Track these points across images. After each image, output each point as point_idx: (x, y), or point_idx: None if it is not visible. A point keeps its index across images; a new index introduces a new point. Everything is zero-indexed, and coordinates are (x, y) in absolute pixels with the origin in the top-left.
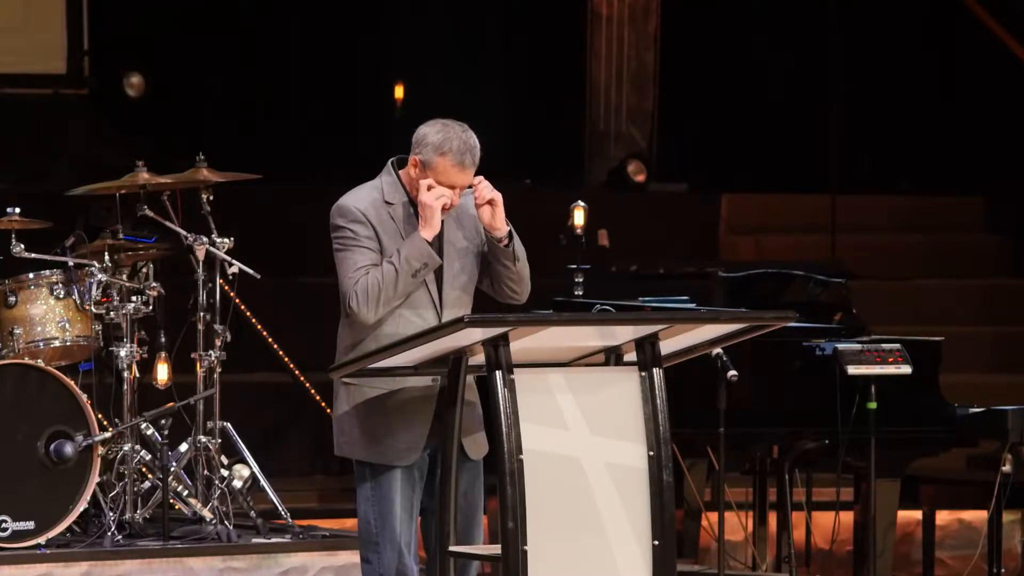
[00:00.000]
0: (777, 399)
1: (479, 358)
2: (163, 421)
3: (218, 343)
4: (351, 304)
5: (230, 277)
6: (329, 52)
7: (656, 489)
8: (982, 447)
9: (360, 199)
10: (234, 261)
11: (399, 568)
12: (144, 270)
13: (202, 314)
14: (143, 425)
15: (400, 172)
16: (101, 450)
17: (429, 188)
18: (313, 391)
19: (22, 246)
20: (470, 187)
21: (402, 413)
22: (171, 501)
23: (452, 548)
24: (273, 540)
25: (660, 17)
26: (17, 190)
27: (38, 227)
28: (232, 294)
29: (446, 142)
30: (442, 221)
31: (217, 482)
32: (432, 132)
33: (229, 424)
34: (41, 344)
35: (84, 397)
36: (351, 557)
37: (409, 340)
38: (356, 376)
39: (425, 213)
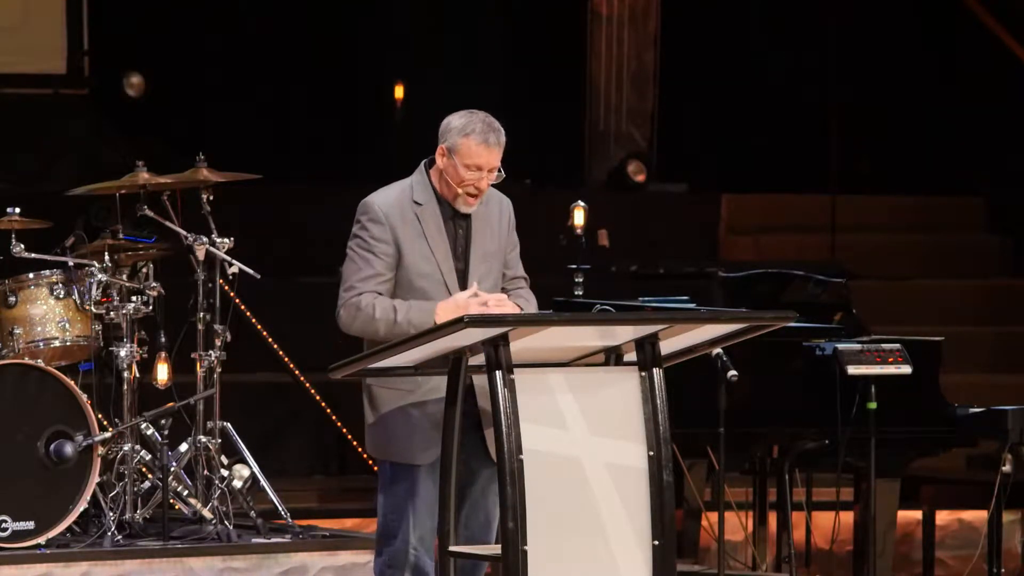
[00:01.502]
0: (777, 399)
1: (479, 358)
2: (163, 421)
3: (218, 343)
4: (339, 313)
5: (230, 277)
6: (329, 52)
7: (656, 489)
8: (982, 447)
9: (387, 198)
10: (234, 261)
11: (414, 562)
12: (144, 270)
13: (202, 314)
14: (143, 425)
15: (431, 172)
16: (101, 450)
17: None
18: (313, 391)
19: (22, 246)
20: (498, 171)
21: (420, 413)
22: (171, 501)
23: (452, 548)
24: (273, 540)
25: (660, 17)
26: (17, 190)
27: (38, 227)
28: (232, 294)
29: (469, 124)
30: (469, 224)
31: (217, 482)
32: (456, 118)
33: (229, 424)
34: (41, 344)
35: (84, 397)
36: (351, 557)
37: (409, 340)
38: (359, 376)
39: (451, 307)
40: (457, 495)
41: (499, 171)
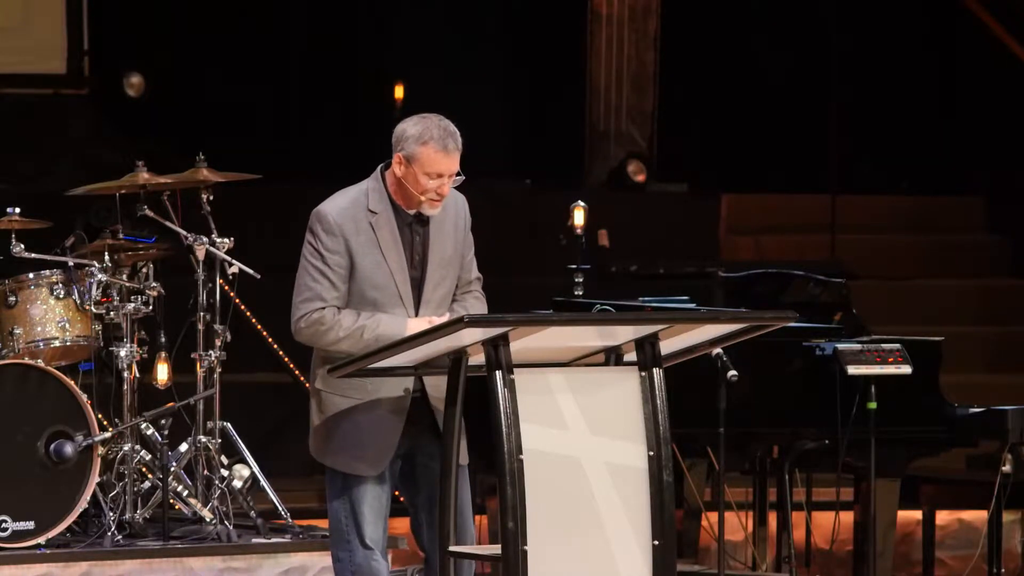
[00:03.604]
0: (777, 399)
1: (479, 358)
2: (163, 421)
3: (218, 343)
4: (298, 325)
5: (230, 277)
6: (329, 52)
7: (656, 489)
8: (982, 447)
9: (341, 208)
10: (234, 261)
11: (371, 566)
12: (144, 270)
13: (202, 314)
14: (143, 425)
15: (387, 177)
16: (101, 450)
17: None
18: None
19: (22, 246)
20: (459, 174)
21: (371, 424)
22: (171, 501)
23: (452, 548)
24: (273, 540)
25: (660, 17)
26: (17, 190)
27: (38, 227)
28: (232, 294)
29: (426, 131)
30: (428, 228)
31: (217, 482)
32: (410, 126)
33: (229, 424)
34: (41, 344)
35: (84, 397)
36: None
37: (409, 340)
38: (358, 376)
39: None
40: (426, 497)
41: (459, 173)
